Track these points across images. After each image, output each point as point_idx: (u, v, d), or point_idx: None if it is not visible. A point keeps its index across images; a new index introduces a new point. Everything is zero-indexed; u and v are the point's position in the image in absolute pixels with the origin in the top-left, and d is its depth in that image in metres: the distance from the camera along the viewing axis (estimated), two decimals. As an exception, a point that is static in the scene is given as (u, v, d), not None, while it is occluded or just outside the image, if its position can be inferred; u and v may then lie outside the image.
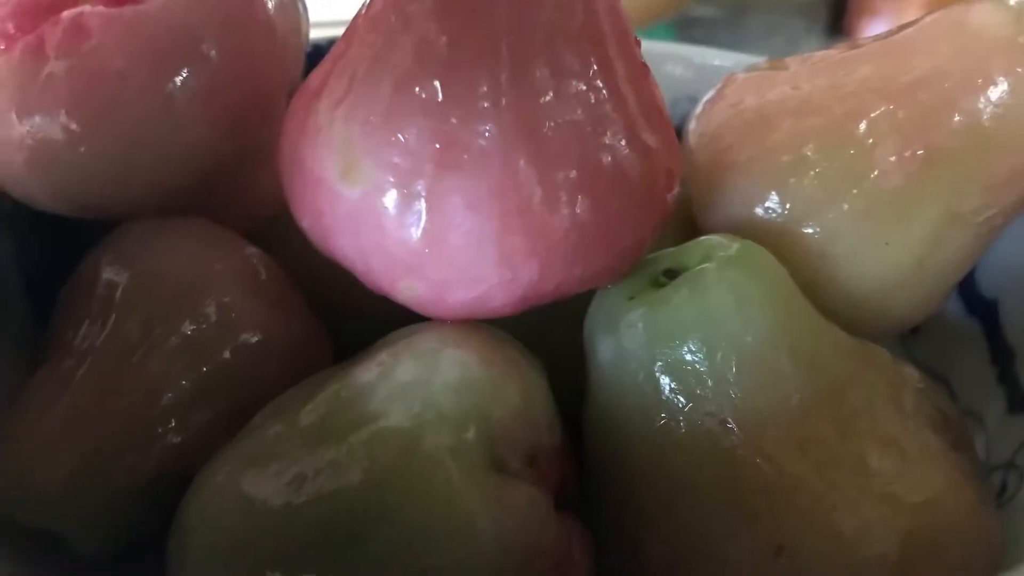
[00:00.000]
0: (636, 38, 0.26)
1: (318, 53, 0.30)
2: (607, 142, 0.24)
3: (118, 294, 0.29)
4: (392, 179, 0.24)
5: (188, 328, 0.28)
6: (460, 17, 0.23)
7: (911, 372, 0.27)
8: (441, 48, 0.23)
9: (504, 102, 0.23)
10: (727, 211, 0.30)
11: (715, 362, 0.24)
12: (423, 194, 0.23)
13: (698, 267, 0.26)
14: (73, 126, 0.27)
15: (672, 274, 0.26)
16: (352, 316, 0.33)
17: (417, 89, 0.23)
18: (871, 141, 0.28)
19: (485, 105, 0.23)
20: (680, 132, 0.30)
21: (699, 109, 0.33)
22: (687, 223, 0.32)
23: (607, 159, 0.24)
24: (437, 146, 0.23)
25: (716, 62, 0.39)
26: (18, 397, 0.29)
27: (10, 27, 0.29)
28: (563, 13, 0.24)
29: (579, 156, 0.24)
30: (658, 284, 0.26)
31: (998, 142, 0.28)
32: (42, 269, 0.35)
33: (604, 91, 0.24)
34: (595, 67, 0.24)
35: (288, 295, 0.31)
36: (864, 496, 0.23)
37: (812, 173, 0.29)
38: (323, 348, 0.31)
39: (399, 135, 0.23)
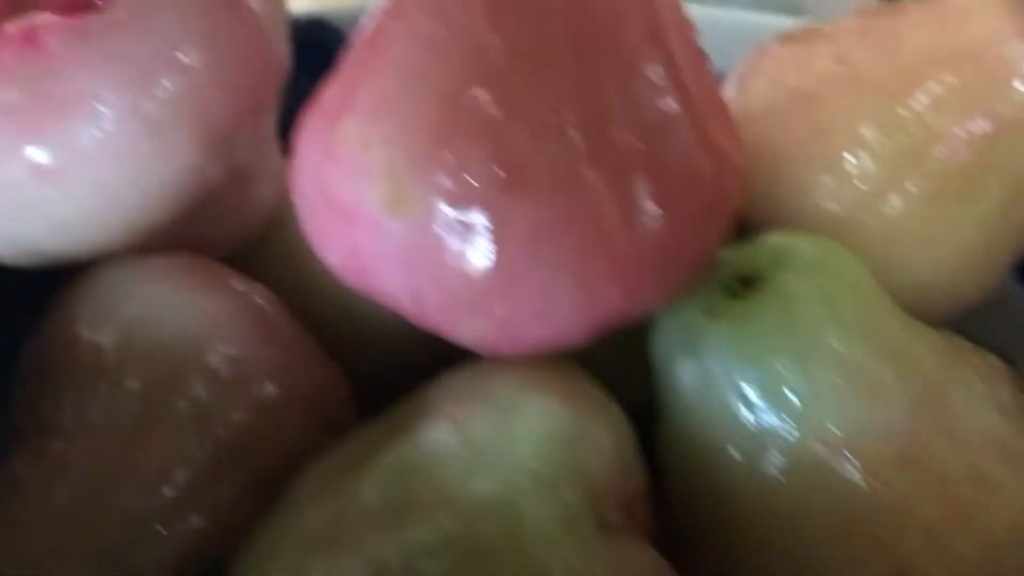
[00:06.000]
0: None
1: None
2: (679, 146, 0.24)
3: (105, 356, 0.26)
4: (449, 207, 0.22)
5: (195, 390, 0.26)
6: (512, 18, 0.22)
7: (995, 361, 0.28)
8: (495, 55, 0.22)
9: (568, 112, 0.22)
10: (777, 201, 0.30)
11: (815, 379, 0.24)
12: (486, 222, 0.22)
13: (779, 275, 0.25)
14: (38, 161, 0.25)
15: (745, 280, 0.26)
16: (363, 350, 0.32)
17: (470, 103, 0.22)
18: (933, 116, 0.28)
19: (549, 117, 0.22)
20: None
21: (733, 85, 0.32)
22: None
23: (681, 164, 0.24)
24: (498, 167, 0.22)
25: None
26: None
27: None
28: (622, 7, 0.23)
29: (654, 166, 0.23)
30: (732, 294, 0.26)
31: (1064, 108, 0.28)
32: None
33: (671, 89, 0.24)
34: (659, 64, 0.23)
35: (301, 338, 0.29)
36: (985, 509, 0.24)
37: (871, 154, 0.29)
38: (343, 390, 0.30)
39: (453, 157, 0.22)
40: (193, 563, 0.26)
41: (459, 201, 0.22)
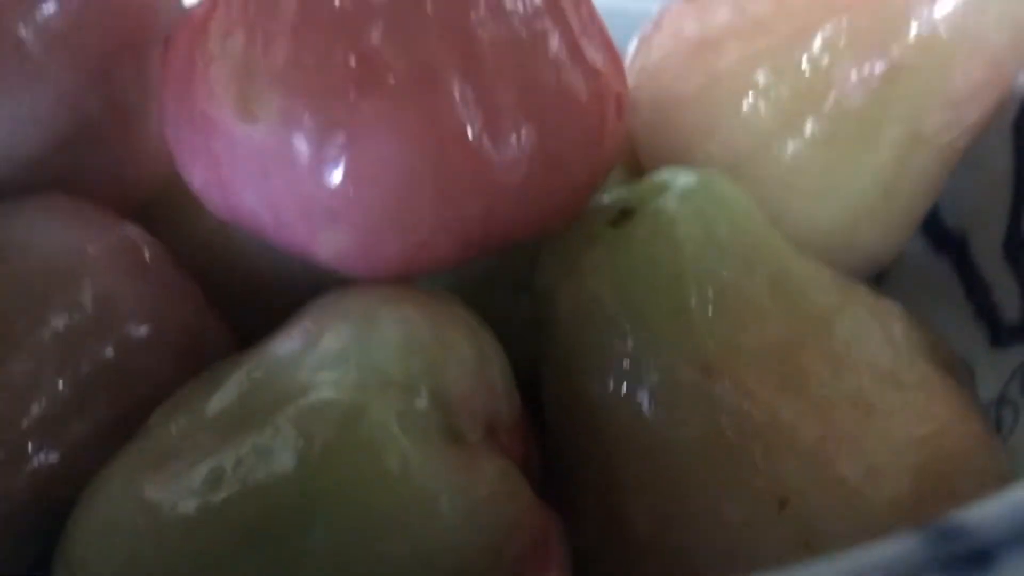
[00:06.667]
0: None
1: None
2: (551, 60, 0.23)
3: (-35, 285, 0.26)
4: (304, 108, 0.22)
5: (59, 322, 0.25)
6: (372, -84, 0.22)
7: (893, 304, 0.27)
8: (353, -49, 0.22)
9: (431, 9, 0.22)
10: (676, 148, 0.30)
11: (691, 301, 0.23)
12: (344, 124, 0.22)
13: (658, 199, 0.25)
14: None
15: (628, 214, 0.25)
16: (254, 311, 0.31)
17: (328, 4, 0.22)
18: (827, 58, 0.28)
19: (410, 16, 0.22)
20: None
21: (635, 45, 0.32)
22: (632, 169, 0.31)
23: (552, 79, 0.23)
24: (356, 66, 0.21)
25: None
26: None
27: None
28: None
29: (522, 76, 0.23)
30: (613, 223, 0.25)
31: (959, 53, 0.28)
32: None
33: (541, 2, 0.23)
34: (530, -25, 0.23)
35: (178, 280, 0.28)
36: (867, 434, 0.23)
37: (767, 98, 0.28)
38: (224, 343, 0.29)
39: (309, 56, 0.22)
40: (45, 501, 0.24)
41: (312, 101, 0.22)
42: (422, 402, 0.20)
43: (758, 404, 0.23)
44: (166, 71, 0.24)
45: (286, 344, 0.22)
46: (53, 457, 0.25)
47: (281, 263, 0.29)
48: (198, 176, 0.24)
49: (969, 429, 0.23)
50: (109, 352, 0.26)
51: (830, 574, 0.13)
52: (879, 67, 0.28)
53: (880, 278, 0.34)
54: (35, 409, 0.25)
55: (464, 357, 0.22)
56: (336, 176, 0.22)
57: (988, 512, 0.14)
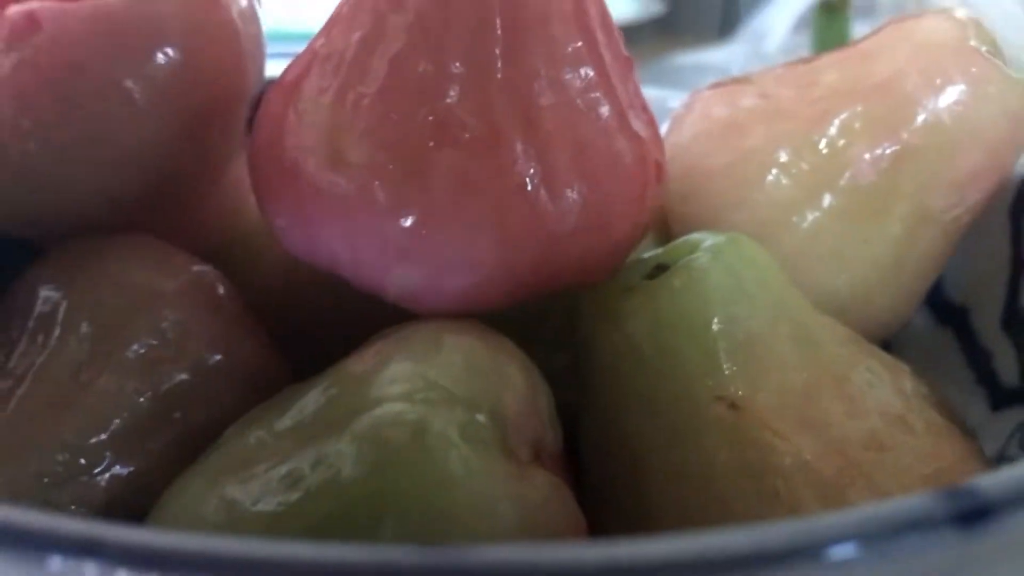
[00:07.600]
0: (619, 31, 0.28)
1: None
2: (601, 126, 0.26)
3: (62, 310, 0.28)
4: (387, 159, 0.25)
5: (141, 346, 0.28)
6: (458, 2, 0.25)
7: (902, 364, 0.29)
8: (435, 24, 0.25)
9: (500, 77, 0.25)
10: (705, 217, 0.33)
11: (720, 346, 0.26)
12: (421, 173, 0.25)
13: (691, 255, 0.28)
14: (23, 122, 0.27)
15: (663, 268, 0.28)
16: (309, 347, 0.34)
17: (412, 66, 0.25)
18: (843, 140, 0.31)
19: (482, 82, 0.25)
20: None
21: (668, 125, 0.35)
22: (664, 237, 0.34)
23: (602, 143, 0.26)
24: (433, 124, 0.25)
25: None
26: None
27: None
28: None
29: (575, 139, 0.26)
30: (651, 278, 0.28)
31: (961, 140, 0.31)
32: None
33: (595, 77, 0.27)
34: (585, 52, 0.26)
35: (245, 315, 0.31)
36: (879, 470, 0.25)
37: (788, 173, 0.31)
38: (284, 374, 0.31)
39: (393, 113, 0.25)
40: (116, 508, 0.26)
41: (394, 152, 0.25)
42: (482, 418, 0.23)
43: (780, 439, 0.25)
44: (259, 125, 0.27)
45: (359, 366, 0.25)
46: (129, 468, 0.27)
47: (336, 305, 0.32)
48: (282, 217, 0.27)
49: (973, 470, 0.26)
50: (184, 376, 0.28)
51: (852, 524, 0.16)
52: (890, 149, 0.31)
53: (887, 347, 0.37)
54: (116, 423, 0.27)
55: (517, 384, 0.24)
56: (411, 219, 0.25)
57: (995, 478, 0.16)
